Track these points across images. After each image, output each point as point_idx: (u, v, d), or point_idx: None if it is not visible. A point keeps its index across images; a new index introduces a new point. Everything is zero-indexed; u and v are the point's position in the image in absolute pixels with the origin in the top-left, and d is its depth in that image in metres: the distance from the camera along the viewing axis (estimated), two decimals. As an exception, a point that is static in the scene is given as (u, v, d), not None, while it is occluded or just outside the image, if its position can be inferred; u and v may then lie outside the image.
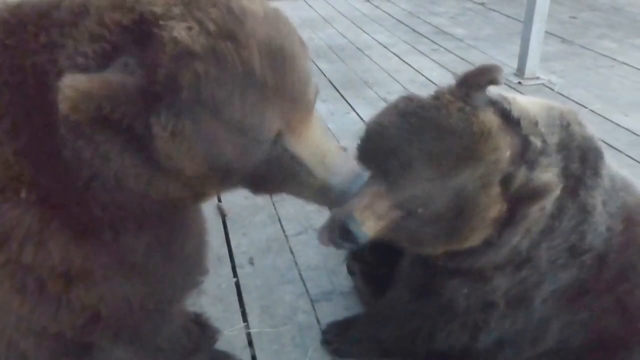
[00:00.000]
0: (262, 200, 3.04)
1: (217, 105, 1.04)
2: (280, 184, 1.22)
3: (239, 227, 2.82)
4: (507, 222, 1.39)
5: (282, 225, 2.84)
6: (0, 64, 1.10)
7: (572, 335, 1.67)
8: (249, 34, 1.05)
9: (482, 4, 7.00)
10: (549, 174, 1.38)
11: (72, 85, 0.97)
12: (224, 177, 1.16)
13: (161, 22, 1.02)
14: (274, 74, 1.07)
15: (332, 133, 3.79)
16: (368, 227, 1.36)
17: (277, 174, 1.18)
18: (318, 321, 2.24)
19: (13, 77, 1.09)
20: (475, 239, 1.40)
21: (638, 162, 3.35)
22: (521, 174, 1.35)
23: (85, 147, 1.08)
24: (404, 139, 1.35)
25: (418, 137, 1.34)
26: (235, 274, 2.51)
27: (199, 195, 1.30)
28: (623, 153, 3.43)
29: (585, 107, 4.09)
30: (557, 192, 1.40)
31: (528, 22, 4.53)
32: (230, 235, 2.76)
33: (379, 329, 1.99)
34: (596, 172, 1.56)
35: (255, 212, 2.94)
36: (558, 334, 1.68)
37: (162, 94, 1.02)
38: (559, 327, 1.67)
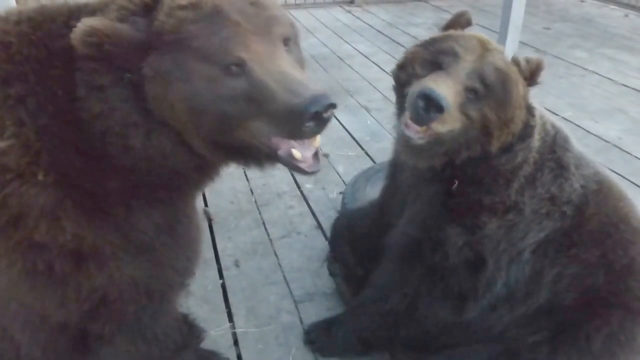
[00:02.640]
0: (247, 205, 3.12)
1: (190, 40, 1.23)
2: (249, 123, 1.28)
3: (225, 231, 2.89)
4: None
5: (266, 229, 2.92)
6: (28, 55, 1.24)
7: (563, 291, 1.78)
8: None
9: (460, 14, 7.17)
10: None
11: (83, 22, 1.18)
12: (199, 121, 1.27)
13: None
14: (239, 14, 1.27)
15: (314, 140, 3.87)
16: (446, 93, 1.59)
17: (245, 107, 1.26)
18: (301, 321, 2.32)
19: (39, 63, 1.25)
20: (518, 117, 1.73)
21: (607, 167, 3.49)
22: (521, 57, 1.77)
23: (96, 100, 1.24)
24: (443, 44, 1.75)
25: (452, 41, 1.75)
26: (221, 276, 2.58)
27: (199, 171, 1.41)
28: (593, 158, 3.59)
29: (557, 115, 4.24)
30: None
31: (503, 32, 4.68)
32: (217, 239, 2.82)
33: (359, 318, 2.07)
34: (566, 139, 1.88)
35: (240, 217, 3.02)
36: (550, 288, 1.79)
37: (153, 41, 1.23)
38: (550, 280, 1.79)
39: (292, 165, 1.34)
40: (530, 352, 1.77)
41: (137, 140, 1.27)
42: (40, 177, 1.22)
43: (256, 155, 1.38)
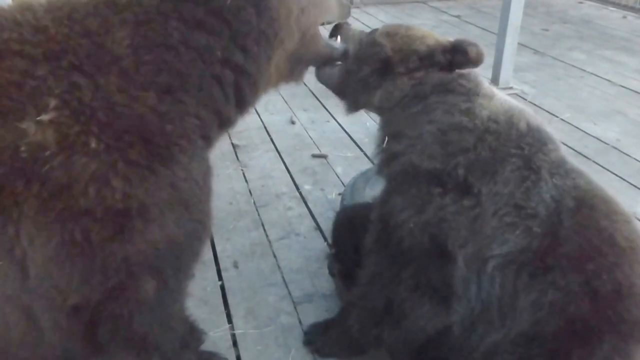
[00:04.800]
0: (246, 206, 3.13)
1: None
2: None
3: (223, 232, 2.89)
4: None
5: (265, 230, 2.92)
6: (69, 34, 1.32)
7: (545, 319, 1.64)
8: None
9: (458, 16, 7.18)
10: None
11: None
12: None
13: None
14: None
15: (312, 140, 3.89)
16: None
17: None
18: (300, 322, 2.32)
19: (89, 37, 1.33)
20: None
21: (606, 169, 3.52)
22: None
23: (211, 46, 1.45)
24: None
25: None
26: (220, 277, 2.58)
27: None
28: (591, 160, 3.59)
29: (556, 116, 4.25)
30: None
31: (502, 34, 4.69)
32: (215, 240, 2.82)
33: (348, 317, 2.03)
34: (544, 142, 1.75)
35: (239, 218, 3.02)
36: (529, 315, 1.66)
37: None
38: (528, 306, 1.65)
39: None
40: None
41: (253, 67, 1.52)
42: (93, 144, 1.24)
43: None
